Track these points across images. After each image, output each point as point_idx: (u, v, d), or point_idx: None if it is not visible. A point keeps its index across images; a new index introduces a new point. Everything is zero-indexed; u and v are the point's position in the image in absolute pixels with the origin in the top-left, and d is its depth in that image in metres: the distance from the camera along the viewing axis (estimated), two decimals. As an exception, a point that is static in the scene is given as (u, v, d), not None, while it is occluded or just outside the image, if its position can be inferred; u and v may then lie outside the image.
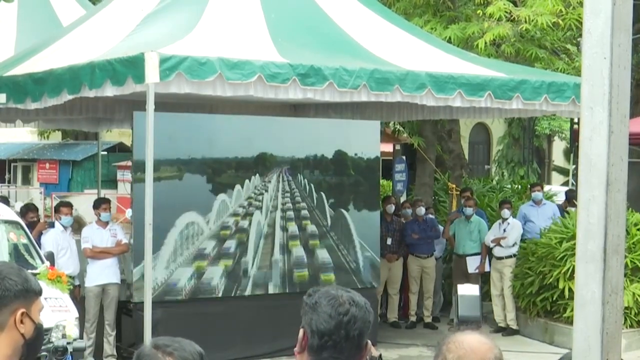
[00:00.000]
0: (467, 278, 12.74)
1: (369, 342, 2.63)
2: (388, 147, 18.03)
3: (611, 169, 1.87)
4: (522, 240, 12.64)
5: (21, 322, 2.47)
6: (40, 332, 2.55)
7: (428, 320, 12.90)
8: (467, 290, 11.71)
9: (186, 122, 10.55)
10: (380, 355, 2.87)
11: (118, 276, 10.44)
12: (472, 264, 12.65)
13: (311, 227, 11.13)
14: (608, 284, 1.89)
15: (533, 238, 12.58)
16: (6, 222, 9.47)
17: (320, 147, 11.29)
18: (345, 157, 11.43)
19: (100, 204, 10.70)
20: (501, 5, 13.51)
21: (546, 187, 17.08)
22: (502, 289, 12.46)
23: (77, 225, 11.46)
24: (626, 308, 11.13)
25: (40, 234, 10.57)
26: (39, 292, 2.56)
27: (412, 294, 12.95)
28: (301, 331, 2.57)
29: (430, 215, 13.35)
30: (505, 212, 12.52)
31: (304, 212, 11.12)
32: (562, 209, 13.84)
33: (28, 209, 11.79)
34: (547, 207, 13.42)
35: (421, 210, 12.85)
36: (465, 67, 10.34)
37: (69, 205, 10.94)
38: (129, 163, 12.66)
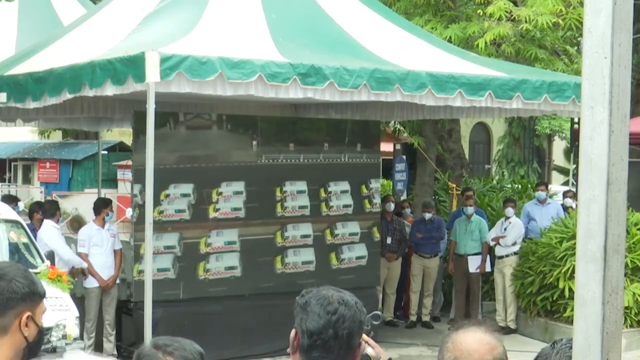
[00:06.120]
0: (468, 278, 12.75)
1: (363, 342, 2.61)
2: (388, 147, 18.00)
3: (612, 169, 1.87)
4: (526, 238, 12.64)
5: (26, 325, 2.46)
6: (41, 335, 2.54)
7: (426, 319, 12.89)
8: None
9: (186, 121, 10.55)
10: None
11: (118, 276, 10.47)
12: (473, 264, 12.64)
13: (310, 227, 11.12)
14: (608, 283, 1.89)
15: (534, 237, 12.59)
16: (6, 221, 9.46)
17: (320, 146, 11.28)
18: (345, 156, 11.42)
19: (107, 204, 10.82)
20: (501, 4, 13.50)
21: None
22: (504, 287, 12.46)
23: (78, 225, 11.47)
24: (626, 308, 11.14)
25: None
26: (43, 295, 2.55)
27: (414, 293, 12.93)
28: (293, 331, 2.58)
29: (437, 216, 13.34)
30: (509, 211, 12.51)
31: (304, 212, 11.12)
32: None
33: (38, 206, 11.87)
34: (551, 206, 13.40)
35: (426, 216, 12.83)
36: (465, 67, 10.34)
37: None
38: (129, 162, 12.65)
